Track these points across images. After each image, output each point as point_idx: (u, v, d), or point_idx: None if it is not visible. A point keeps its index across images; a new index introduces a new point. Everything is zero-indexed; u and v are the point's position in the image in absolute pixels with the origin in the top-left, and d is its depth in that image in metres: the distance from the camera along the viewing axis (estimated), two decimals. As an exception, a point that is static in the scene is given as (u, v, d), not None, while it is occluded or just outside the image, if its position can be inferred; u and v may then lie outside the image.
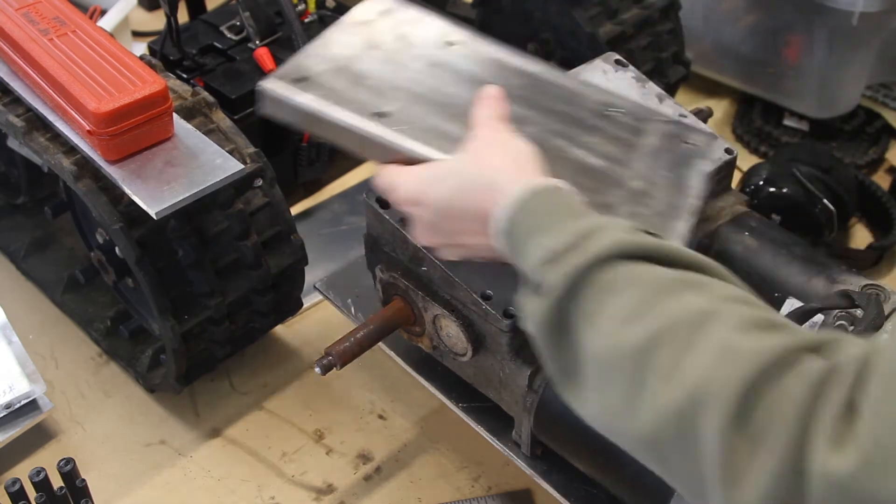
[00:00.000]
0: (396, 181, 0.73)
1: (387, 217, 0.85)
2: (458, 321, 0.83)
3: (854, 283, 0.88)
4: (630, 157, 0.81)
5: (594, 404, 0.58)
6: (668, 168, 0.81)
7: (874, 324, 0.81)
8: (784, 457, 0.47)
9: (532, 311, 0.60)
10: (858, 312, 0.85)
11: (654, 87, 1.00)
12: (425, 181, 0.71)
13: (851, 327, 0.84)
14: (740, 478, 0.49)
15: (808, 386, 0.48)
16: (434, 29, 0.86)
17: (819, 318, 0.86)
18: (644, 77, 1.02)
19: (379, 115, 0.75)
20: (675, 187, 0.80)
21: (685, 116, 0.98)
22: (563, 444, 0.83)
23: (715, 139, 0.88)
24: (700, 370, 0.51)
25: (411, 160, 0.73)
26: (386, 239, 0.87)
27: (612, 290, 0.57)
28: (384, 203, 0.86)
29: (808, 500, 0.47)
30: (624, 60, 1.03)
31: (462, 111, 0.75)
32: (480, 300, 0.81)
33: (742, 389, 0.49)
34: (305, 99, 0.74)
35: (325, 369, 0.82)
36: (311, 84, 0.76)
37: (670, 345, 0.53)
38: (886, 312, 0.85)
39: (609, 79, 1.00)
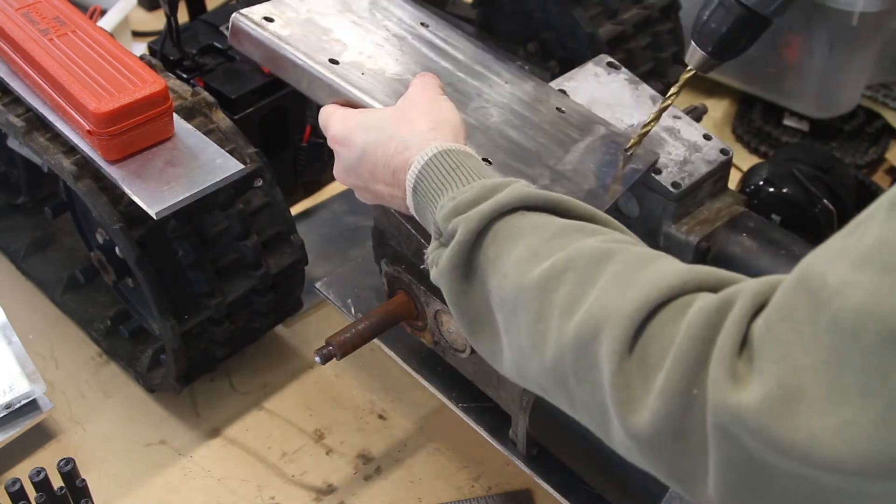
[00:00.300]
0: (331, 119, 0.78)
1: (393, 211, 0.85)
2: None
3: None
4: (565, 148, 0.86)
5: (506, 350, 0.61)
6: (597, 164, 0.85)
7: None
8: (677, 383, 0.48)
9: (441, 262, 0.63)
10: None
11: (647, 89, 1.00)
12: (353, 126, 0.76)
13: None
14: (634, 403, 0.50)
15: (704, 315, 0.49)
16: (410, 10, 0.93)
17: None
18: (637, 79, 1.02)
19: (332, 62, 0.81)
20: (597, 179, 0.84)
21: (679, 117, 0.98)
22: (556, 444, 0.83)
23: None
24: (598, 300, 0.53)
25: (352, 105, 0.79)
26: (392, 233, 0.87)
27: (516, 236, 0.60)
28: None
29: (702, 429, 0.47)
30: (616, 63, 1.03)
31: (409, 79, 0.81)
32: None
33: (636, 315, 0.51)
34: (268, 35, 0.81)
35: (325, 359, 0.82)
36: (278, 24, 0.82)
37: (570, 278, 0.56)
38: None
39: (601, 81, 1.01)
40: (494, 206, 0.62)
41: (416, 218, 0.71)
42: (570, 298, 0.55)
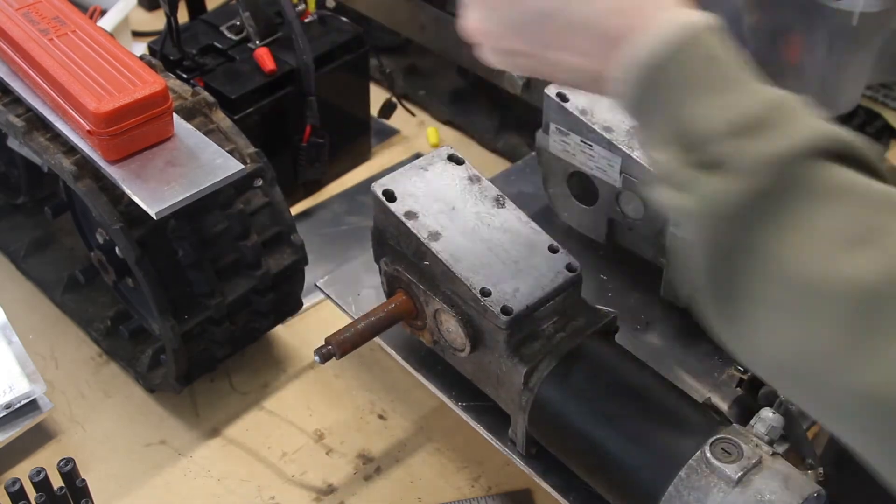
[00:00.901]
0: None
1: (392, 210, 0.85)
2: (457, 316, 0.83)
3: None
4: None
5: (780, 335, 0.44)
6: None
7: None
8: None
9: (705, 197, 0.45)
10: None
11: None
12: None
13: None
14: None
15: None
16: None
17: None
18: None
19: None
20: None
21: None
22: (555, 444, 0.83)
23: None
24: None
25: None
26: (391, 232, 0.87)
27: (828, 198, 0.43)
28: (391, 196, 0.86)
29: None
30: None
31: None
32: (479, 296, 0.81)
33: None
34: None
35: (325, 358, 0.82)
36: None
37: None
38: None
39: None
40: (797, 145, 0.44)
41: (629, 113, 0.51)
42: None
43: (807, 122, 0.46)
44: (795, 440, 0.79)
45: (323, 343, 0.84)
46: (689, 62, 0.47)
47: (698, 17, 0.49)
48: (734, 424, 0.76)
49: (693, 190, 0.46)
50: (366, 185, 1.24)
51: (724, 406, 0.90)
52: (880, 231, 0.42)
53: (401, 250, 0.88)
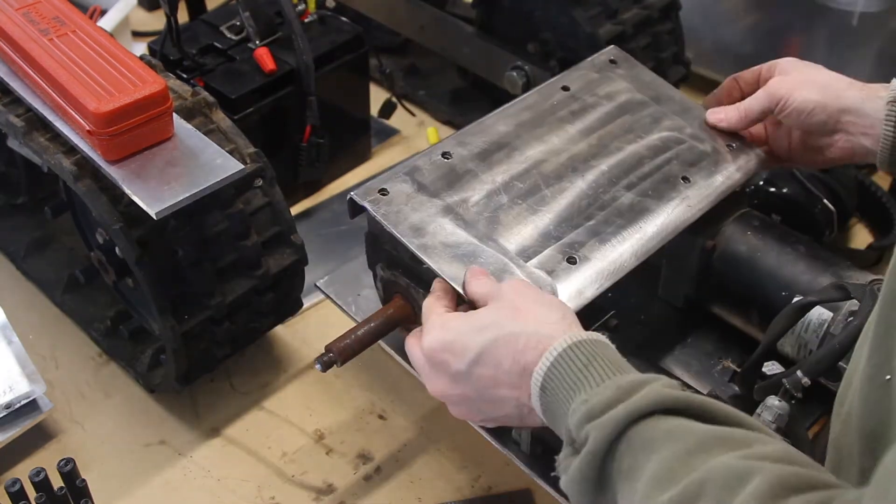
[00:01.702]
0: (425, 328, 0.74)
1: (381, 220, 0.85)
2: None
3: (860, 279, 0.88)
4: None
5: None
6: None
7: (871, 314, 0.81)
8: None
9: (570, 471, 0.59)
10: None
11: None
12: (460, 330, 0.71)
13: (850, 318, 0.84)
14: None
15: None
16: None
17: (817, 311, 0.87)
18: None
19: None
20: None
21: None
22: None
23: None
24: None
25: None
26: (386, 237, 0.87)
27: (650, 448, 0.56)
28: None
29: None
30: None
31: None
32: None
33: None
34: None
35: (326, 366, 0.82)
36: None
37: None
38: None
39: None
40: (630, 410, 0.57)
41: (546, 423, 0.66)
42: None
43: (646, 394, 0.58)
44: (796, 439, 0.79)
45: (323, 350, 0.83)
46: (569, 370, 0.63)
47: (580, 333, 0.65)
48: None
49: (569, 471, 0.60)
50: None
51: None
52: (682, 468, 0.54)
53: (397, 254, 0.88)
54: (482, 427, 0.90)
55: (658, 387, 0.59)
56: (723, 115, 0.97)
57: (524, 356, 0.67)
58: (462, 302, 0.79)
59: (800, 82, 0.92)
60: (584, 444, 0.59)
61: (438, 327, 0.73)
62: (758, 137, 1.00)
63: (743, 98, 0.97)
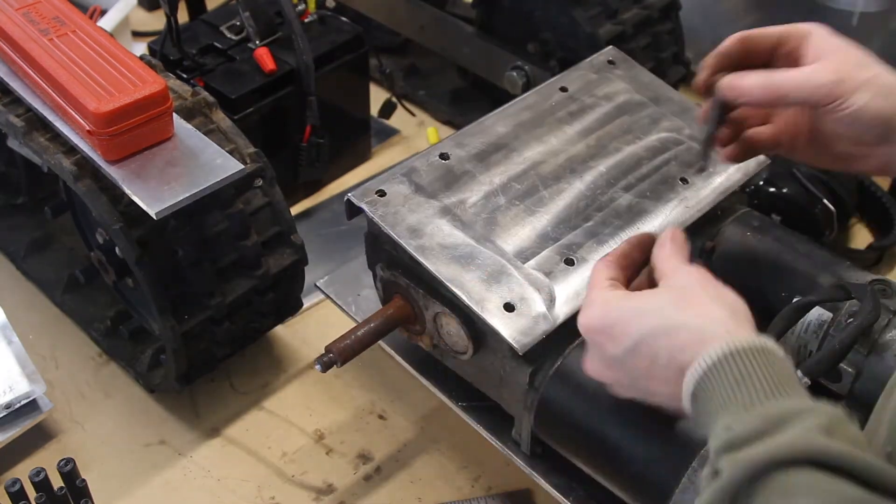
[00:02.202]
0: (587, 302, 0.70)
1: (378, 222, 0.85)
2: (459, 319, 0.83)
3: (860, 279, 0.88)
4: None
5: None
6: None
7: (871, 316, 0.81)
8: None
9: (705, 497, 0.55)
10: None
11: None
12: (621, 311, 0.66)
13: (850, 319, 0.84)
14: None
15: None
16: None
17: (817, 312, 0.86)
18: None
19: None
20: None
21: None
22: (563, 442, 0.83)
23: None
24: None
25: None
26: (386, 237, 0.87)
27: (787, 499, 0.51)
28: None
29: None
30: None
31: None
32: (481, 299, 0.81)
33: None
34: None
35: (326, 367, 0.82)
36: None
37: None
38: (893, 308, 0.85)
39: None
40: (773, 454, 0.52)
41: (696, 427, 0.61)
42: None
43: (797, 437, 0.52)
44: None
45: (323, 350, 0.83)
46: (720, 383, 0.58)
47: (744, 339, 0.59)
48: None
49: (702, 492, 0.55)
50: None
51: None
52: None
53: (397, 254, 0.88)
54: (482, 426, 0.90)
55: (811, 429, 0.52)
56: (744, 87, 0.74)
57: (682, 354, 0.61)
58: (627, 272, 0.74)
59: (858, 80, 0.71)
60: (720, 475, 0.54)
61: (600, 304, 0.68)
62: (756, 115, 0.83)
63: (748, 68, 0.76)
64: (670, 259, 0.70)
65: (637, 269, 0.75)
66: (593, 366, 0.71)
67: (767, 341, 0.60)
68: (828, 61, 0.73)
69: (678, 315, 0.63)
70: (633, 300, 0.67)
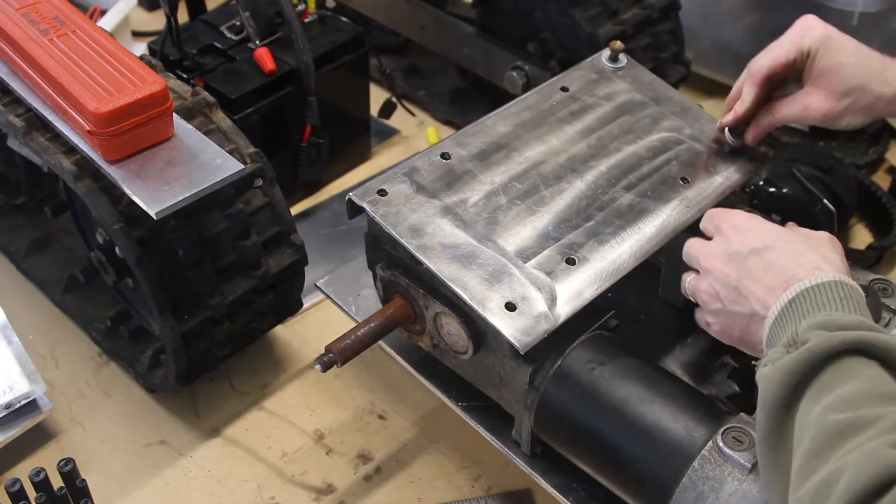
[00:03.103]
0: (735, 211, 0.81)
1: (379, 221, 0.85)
2: (459, 318, 0.83)
3: (861, 278, 0.88)
4: None
5: (781, 464, 0.63)
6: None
7: (872, 315, 0.81)
8: None
9: (779, 363, 0.64)
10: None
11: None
12: (764, 224, 0.78)
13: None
14: None
15: None
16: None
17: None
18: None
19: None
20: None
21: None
22: (563, 442, 0.83)
23: None
24: (844, 464, 0.57)
25: None
26: (386, 237, 0.87)
27: (852, 377, 0.62)
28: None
29: None
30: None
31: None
32: (481, 299, 0.81)
33: (869, 484, 0.55)
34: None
35: (326, 366, 0.82)
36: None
37: (843, 440, 0.59)
38: (894, 307, 0.85)
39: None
40: (859, 339, 0.63)
41: (769, 331, 0.71)
42: (834, 454, 0.58)
43: (881, 337, 0.64)
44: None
45: (323, 350, 0.83)
46: (828, 296, 0.68)
47: (845, 278, 0.70)
48: (741, 414, 0.77)
49: (776, 363, 0.65)
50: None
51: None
52: (870, 403, 0.60)
53: (397, 255, 0.87)
54: (481, 426, 0.90)
55: (888, 337, 0.64)
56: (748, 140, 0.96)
57: (798, 269, 0.71)
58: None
59: (844, 106, 0.91)
60: (802, 344, 0.64)
61: (744, 214, 0.80)
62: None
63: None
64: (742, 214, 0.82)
65: None
66: (712, 253, 0.79)
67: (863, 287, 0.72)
68: (820, 93, 0.91)
69: (807, 245, 0.75)
70: (769, 223, 0.79)
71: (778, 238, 0.76)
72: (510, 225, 0.86)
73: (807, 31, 0.93)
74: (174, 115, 0.90)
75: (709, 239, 0.82)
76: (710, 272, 0.79)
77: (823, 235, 0.79)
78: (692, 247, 0.82)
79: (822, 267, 0.71)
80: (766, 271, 0.73)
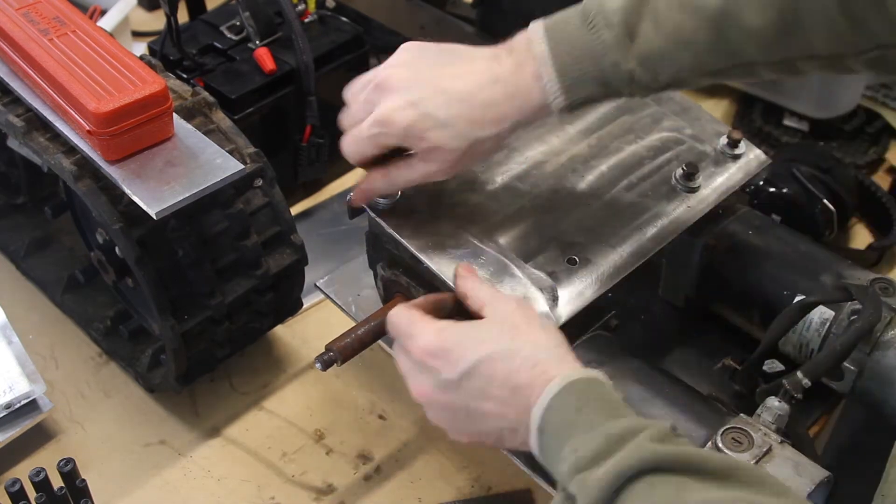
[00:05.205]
0: (416, 328, 0.73)
1: (380, 221, 0.85)
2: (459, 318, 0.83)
3: (862, 278, 0.88)
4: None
5: None
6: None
7: (873, 318, 0.81)
8: None
9: None
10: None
11: None
12: (458, 337, 0.71)
13: (853, 317, 0.84)
14: None
15: None
16: None
17: (819, 310, 0.87)
18: None
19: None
20: None
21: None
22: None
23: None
24: None
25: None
26: (387, 237, 0.87)
27: None
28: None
29: None
30: None
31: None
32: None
33: None
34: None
35: (326, 365, 0.82)
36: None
37: None
38: (894, 307, 0.85)
39: None
40: (618, 472, 0.57)
41: (537, 457, 0.67)
42: None
43: (634, 451, 0.58)
44: (797, 438, 0.79)
45: (324, 349, 0.83)
46: (562, 413, 0.63)
47: (576, 371, 0.66)
48: (741, 414, 0.77)
49: None
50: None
51: (723, 405, 0.90)
52: None
53: (398, 254, 0.88)
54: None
55: (645, 440, 0.59)
56: (371, 191, 0.84)
57: (518, 376, 0.67)
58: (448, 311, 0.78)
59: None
60: (573, 501, 0.59)
61: (433, 331, 0.72)
62: None
63: None
64: (483, 287, 0.76)
65: (442, 313, 0.78)
66: (423, 388, 0.73)
67: (596, 371, 0.67)
68: (433, 165, 0.79)
69: (512, 342, 0.69)
70: (467, 327, 0.71)
71: (477, 344, 0.69)
72: (511, 225, 0.86)
73: (386, 127, 0.78)
74: (174, 115, 0.90)
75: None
76: (429, 406, 0.75)
77: (515, 307, 0.72)
78: (398, 350, 0.76)
79: (538, 364, 0.66)
80: (490, 388, 0.68)
